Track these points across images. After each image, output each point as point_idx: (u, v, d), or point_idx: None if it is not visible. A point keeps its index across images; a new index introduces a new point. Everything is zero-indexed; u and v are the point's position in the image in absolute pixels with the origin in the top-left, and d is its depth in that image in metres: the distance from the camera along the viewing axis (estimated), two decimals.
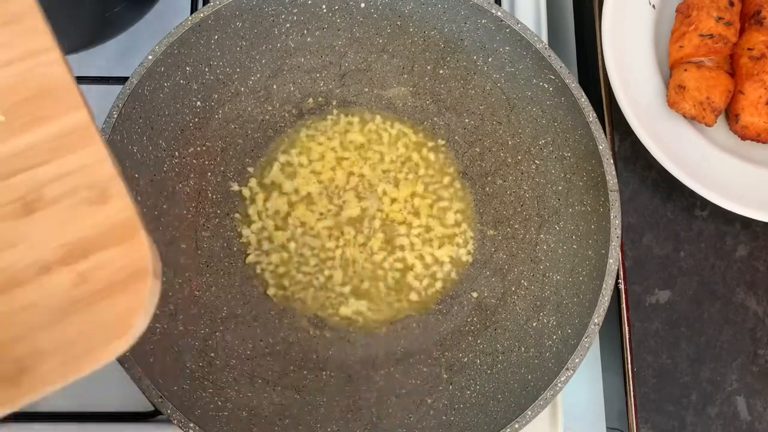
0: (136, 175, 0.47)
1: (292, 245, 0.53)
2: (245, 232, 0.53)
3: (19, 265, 0.26)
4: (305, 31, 0.52)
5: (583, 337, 0.43)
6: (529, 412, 0.41)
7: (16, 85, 0.29)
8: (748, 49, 0.53)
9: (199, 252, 0.51)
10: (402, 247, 0.53)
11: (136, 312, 0.26)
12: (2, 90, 0.29)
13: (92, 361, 0.26)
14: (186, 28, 0.47)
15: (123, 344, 0.26)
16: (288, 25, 0.52)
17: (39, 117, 0.29)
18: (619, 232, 0.45)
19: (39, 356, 0.26)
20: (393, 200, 0.54)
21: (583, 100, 0.47)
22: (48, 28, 0.30)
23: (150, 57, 0.46)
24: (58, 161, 0.28)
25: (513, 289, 0.50)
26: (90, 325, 0.26)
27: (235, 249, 0.52)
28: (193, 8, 0.58)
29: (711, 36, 0.52)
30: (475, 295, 0.52)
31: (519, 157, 0.52)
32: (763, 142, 0.53)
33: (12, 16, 0.30)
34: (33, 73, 0.29)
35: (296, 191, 0.54)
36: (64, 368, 0.26)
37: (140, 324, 0.27)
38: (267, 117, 0.54)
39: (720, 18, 0.52)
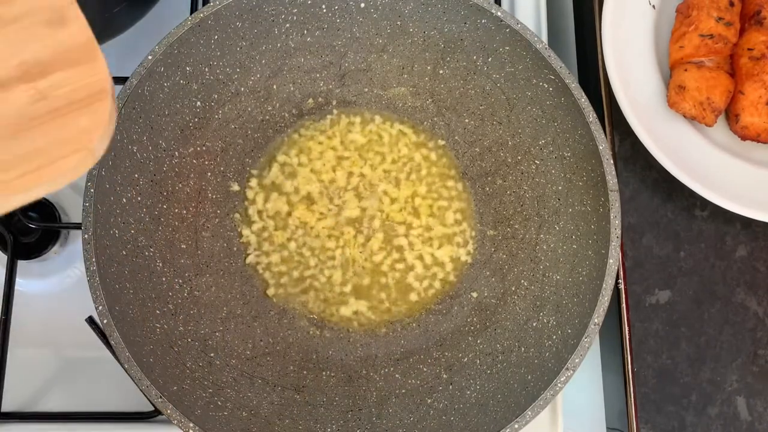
0: (136, 176, 0.47)
1: (292, 245, 0.53)
2: (245, 232, 0.53)
3: None
4: (305, 31, 0.52)
5: (583, 337, 0.43)
6: (529, 412, 0.41)
7: None
8: (748, 49, 0.53)
9: (199, 252, 0.51)
10: (402, 248, 0.53)
11: (96, 130, 0.27)
12: None
13: (51, 176, 0.26)
14: (186, 28, 0.47)
15: (83, 160, 0.27)
16: (288, 25, 0.52)
17: None
18: (619, 232, 0.45)
19: None
20: (393, 200, 0.54)
21: (583, 100, 0.47)
22: None
23: (150, 57, 0.46)
24: None
25: (513, 289, 0.50)
26: (49, 141, 0.26)
27: (235, 249, 0.52)
28: (193, 8, 0.58)
29: (711, 36, 0.52)
30: (475, 295, 0.52)
31: (519, 157, 0.52)
32: (763, 142, 0.53)
33: None
34: None
35: (296, 191, 0.54)
36: (21, 182, 0.26)
37: (100, 143, 0.27)
38: (267, 117, 0.54)
39: (720, 18, 0.52)
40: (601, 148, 0.46)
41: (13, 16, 0.27)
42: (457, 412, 0.46)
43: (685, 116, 0.52)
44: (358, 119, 0.55)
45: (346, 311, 0.52)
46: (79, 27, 0.28)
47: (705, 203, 0.54)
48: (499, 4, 0.56)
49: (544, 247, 0.50)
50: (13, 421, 0.50)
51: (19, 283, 0.53)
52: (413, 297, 0.52)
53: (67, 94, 0.27)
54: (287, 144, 0.55)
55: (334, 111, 0.55)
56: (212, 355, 0.47)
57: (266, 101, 0.54)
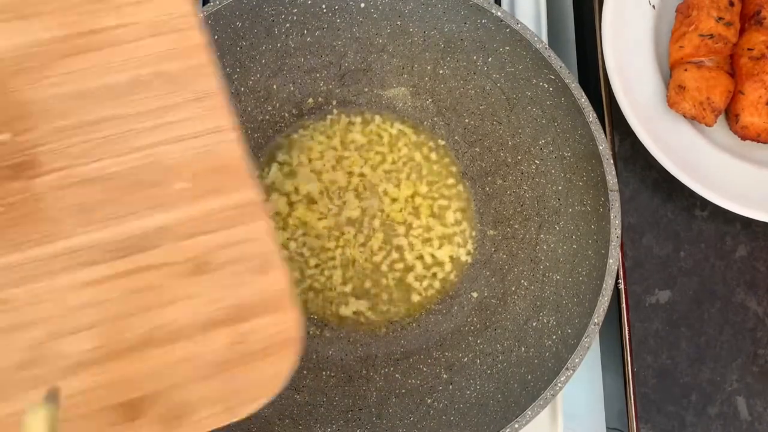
0: None
1: (292, 245, 0.53)
2: None
3: (185, 320, 0.29)
4: (305, 31, 0.52)
5: (583, 337, 0.43)
6: (529, 412, 0.41)
7: (201, 156, 0.31)
8: (748, 49, 0.53)
9: None
10: (402, 248, 0.53)
11: (282, 375, 0.29)
12: (190, 159, 0.31)
13: (235, 415, 0.29)
14: None
15: (265, 402, 0.29)
16: (288, 25, 0.52)
17: (217, 189, 0.31)
18: (619, 232, 0.45)
19: (192, 406, 0.29)
20: (393, 200, 0.54)
21: (583, 100, 0.47)
22: (232, 110, 0.32)
23: None
24: (228, 231, 0.31)
25: (513, 289, 0.50)
26: (240, 384, 0.29)
27: None
28: None
29: (711, 36, 0.52)
30: (475, 295, 0.52)
31: (519, 157, 0.52)
32: (763, 142, 0.53)
33: (203, 93, 0.32)
34: (217, 147, 0.31)
35: (296, 191, 0.54)
36: (211, 420, 0.29)
37: (283, 385, 0.29)
38: (267, 117, 0.54)
39: (720, 18, 0.52)
40: (601, 148, 0.46)
41: (222, 262, 0.30)
42: (457, 412, 0.46)
43: (685, 116, 0.52)
44: (358, 119, 0.55)
45: (346, 311, 0.52)
46: (281, 274, 0.31)
47: (705, 203, 0.54)
48: (499, 4, 0.56)
49: (544, 247, 0.50)
50: None
51: None
52: (413, 297, 0.52)
53: (262, 340, 0.29)
54: (287, 144, 0.55)
55: (334, 111, 0.55)
56: None
57: (266, 101, 0.54)
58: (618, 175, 0.47)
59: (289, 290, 0.31)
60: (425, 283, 0.53)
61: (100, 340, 0.29)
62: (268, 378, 0.29)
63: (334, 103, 0.55)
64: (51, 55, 0.30)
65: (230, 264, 0.30)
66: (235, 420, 0.28)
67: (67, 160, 0.30)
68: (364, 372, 0.49)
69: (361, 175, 0.54)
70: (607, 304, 0.43)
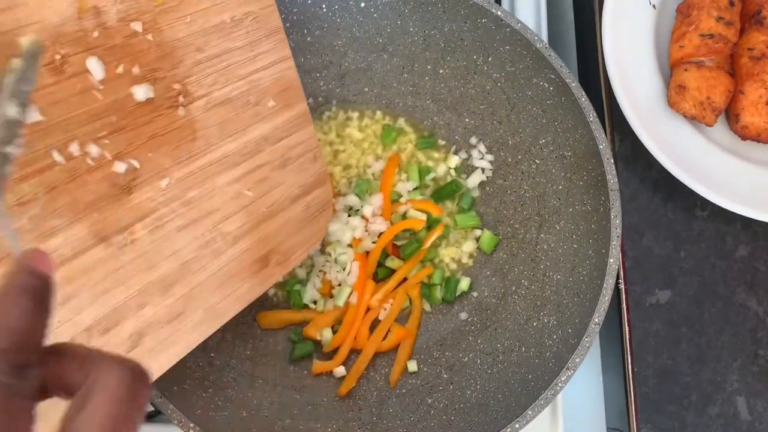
0: None
1: None
2: None
3: (283, 198, 0.44)
4: (305, 31, 0.52)
5: (584, 337, 0.42)
6: (530, 412, 0.41)
7: (278, 80, 0.44)
8: (749, 48, 0.53)
9: None
10: None
11: (325, 225, 0.48)
12: (273, 83, 0.43)
13: (307, 253, 0.46)
14: None
15: (317, 244, 0.47)
16: (288, 24, 0.52)
17: (288, 104, 0.44)
18: (620, 231, 0.45)
19: (291, 251, 0.45)
20: None
21: (584, 100, 0.47)
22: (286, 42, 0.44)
23: None
24: (296, 134, 0.45)
25: (513, 288, 0.50)
26: (309, 233, 0.46)
27: None
28: None
29: (711, 36, 0.52)
30: (475, 294, 0.52)
31: (519, 157, 0.52)
32: (764, 142, 0.53)
33: (274, 29, 0.43)
34: (285, 73, 0.44)
35: None
36: (299, 258, 0.46)
37: (325, 233, 0.48)
38: None
39: (720, 18, 0.52)
40: (601, 147, 0.46)
41: (295, 156, 0.45)
42: (458, 412, 0.46)
43: (685, 116, 0.52)
44: (357, 114, 0.55)
45: None
46: (322, 162, 0.47)
47: (705, 203, 0.54)
48: (500, 4, 0.56)
49: (545, 247, 0.50)
50: None
51: None
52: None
53: (317, 204, 0.46)
54: None
55: (333, 109, 0.55)
56: (212, 355, 0.46)
57: None
58: (618, 174, 0.47)
59: (326, 170, 0.47)
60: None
61: (244, 219, 0.42)
62: (320, 227, 0.47)
63: (335, 102, 0.55)
64: None
65: (299, 157, 0.45)
66: (306, 256, 0.46)
67: (205, 89, 0.40)
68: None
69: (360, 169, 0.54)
70: (607, 303, 0.43)
